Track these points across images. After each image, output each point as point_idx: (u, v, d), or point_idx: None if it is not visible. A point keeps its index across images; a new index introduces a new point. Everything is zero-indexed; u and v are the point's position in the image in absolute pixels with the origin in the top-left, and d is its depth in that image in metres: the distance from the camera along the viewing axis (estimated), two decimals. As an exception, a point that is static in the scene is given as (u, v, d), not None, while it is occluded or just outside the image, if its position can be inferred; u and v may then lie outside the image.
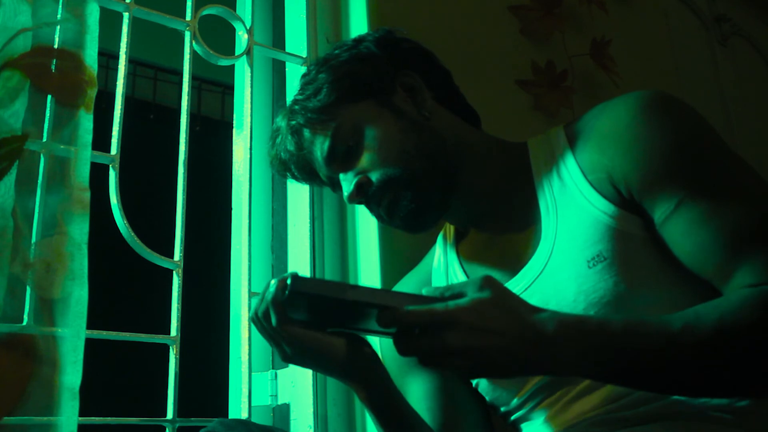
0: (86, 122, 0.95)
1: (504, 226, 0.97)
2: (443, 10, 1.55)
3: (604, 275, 0.82)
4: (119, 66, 1.20)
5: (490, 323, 0.69)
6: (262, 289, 0.83)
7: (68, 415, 0.84)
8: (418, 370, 1.01)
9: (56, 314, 0.88)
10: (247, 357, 1.19)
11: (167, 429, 1.10)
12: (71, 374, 0.85)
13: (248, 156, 1.29)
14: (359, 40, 1.03)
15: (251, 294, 1.22)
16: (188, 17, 1.31)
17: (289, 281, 0.72)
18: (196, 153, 1.28)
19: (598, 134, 0.88)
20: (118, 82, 1.19)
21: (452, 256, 1.04)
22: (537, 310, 0.72)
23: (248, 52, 1.35)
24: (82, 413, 0.87)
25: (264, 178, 1.42)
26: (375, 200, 0.97)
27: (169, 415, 1.09)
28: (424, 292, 0.73)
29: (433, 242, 1.13)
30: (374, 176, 0.95)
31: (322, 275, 1.33)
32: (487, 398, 0.98)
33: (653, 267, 0.82)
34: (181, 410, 1.11)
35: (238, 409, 1.18)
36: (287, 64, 1.45)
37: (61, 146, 0.95)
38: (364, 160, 0.96)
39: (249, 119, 1.32)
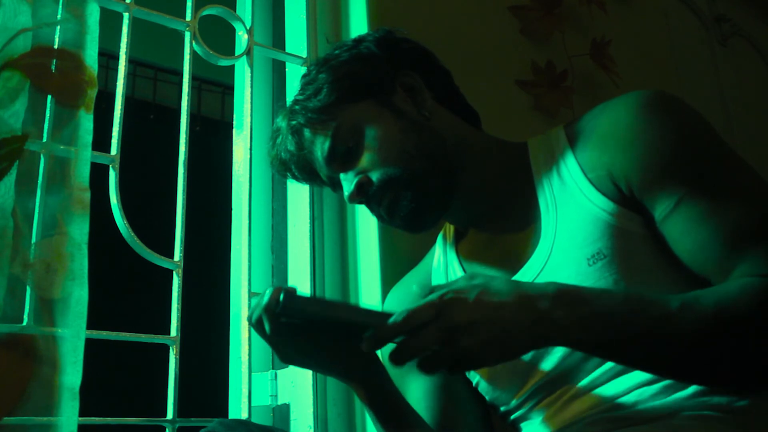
0: (86, 122, 0.95)
1: (504, 225, 0.97)
2: (443, 10, 1.55)
3: (604, 273, 0.82)
4: (119, 66, 1.20)
5: (490, 297, 0.71)
6: (260, 294, 0.83)
7: (68, 415, 0.84)
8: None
9: (56, 314, 0.88)
10: (247, 357, 1.19)
11: (167, 429, 1.10)
12: (71, 374, 0.85)
13: (248, 156, 1.29)
14: (359, 40, 1.03)
15: (251, 294, 1.22)
16: (188, 17, 1.31)
17: (281, 297, 0.72)
18: (196, 153, 1.28)
19: (599, 133, 0.88)
20: (118, 83, 1.19)
21: (452, 255, 1.05)
22: (530, 282, 0.74)
23: (248, 52, 1.36)
24: (82, 413, 0.87)
25: (264, 178, 1.42)
26: (375, 200, 0.97)
27: (169, 415, 1.09)
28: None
29: (433, 242, 1.13)
30: (374, 176, 0.95)
31: (322, 275, 1.33)
32: (486, 398, 0.98)
33: (653, 264, 0.82)
34: (181, 410, 1.11)
35: (238, 409, 1.18)
36: (287, 64, 1.45)
37: (61, 146, 0.95)
38: (365, 160, 0.96)
39: (249, 119, 1.32)
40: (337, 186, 1.02)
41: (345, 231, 1.36)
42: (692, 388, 0.79)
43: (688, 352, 0.72)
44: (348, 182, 0.98)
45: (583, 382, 0.85)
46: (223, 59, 1.34)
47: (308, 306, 0.74)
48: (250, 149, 1.30)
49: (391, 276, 1.23)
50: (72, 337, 0.87)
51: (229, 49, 1.37)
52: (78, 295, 0.88)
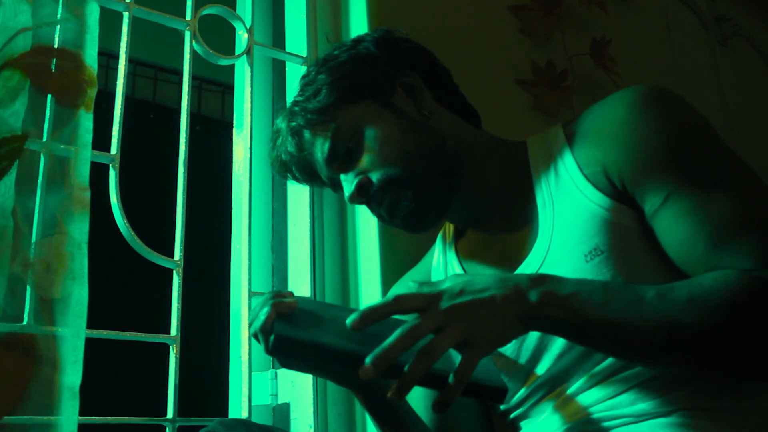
0: (86, 122, 0.95)
1: (502, 224, 0.97)
2: (443, 10, 1.55)
3: (601, 269, 0.82)
4: (119, 66, 1.20)
5: (474, 285, 0.75)
6: (257, 305, 0.83)
7: (68, 414, 0.84)
8: None
9: (56, 314, 0.88)
10: (247, 356, 1.19)
11: (167, 428, 1.10)
12: (71, 374, 0.85)
13: (248, 156, 1.29)
14: (358, 40, 1.03)
15: (251, 293, 1.22)
16: (188, 17, 1.31)
17: (271, 340, 0.71)
18: (196, 153, 1.28)
19: (594, 129, 0.89)
20: (118, 82, 1.19)
21: (451, 254, 1.05)
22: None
23: (248, 51, 1.36)
24: (82, 413, 0.87)
25: (264, 177, 1.43)
26: (376, 200, 0.97)
27: (170, 414, 1.09)
28: None
29: (433, 241, 1.13)
30: (375, 176, 0.95)
31: (322, 274, 1.33)
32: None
33: (650, 259, 0.82)
34: (181, 409, 1.11)
35: (239, 408, 1.18)
36: (287, 63, 1.45)
37: (61, 146, 0.95)
38: (365, 160, 0.96)
39: (249, 119, 1.32)
40: (337, 187, 1.02)
41: (345, 230, 1.36)
42: (690, 387, 0.79)
43: (661, 338, 0.72)
44: (348, 183, 0.98)
45: (582, 379, 0.85)
46: (223, 59, 1.34)
47: (301, 349, 0.73)
48: (250, 149, 1.30)
49: (391, 275, 1.23)
50: (72, 336, 0.87)
51: (229, 48, 1.37)
52: (78, 295, 0.88)
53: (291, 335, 0.71)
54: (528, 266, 0.90)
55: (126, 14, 1.23)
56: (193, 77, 1.29)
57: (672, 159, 0.81)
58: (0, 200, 0.87)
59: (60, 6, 0.99)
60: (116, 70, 1.21)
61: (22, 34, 0.93)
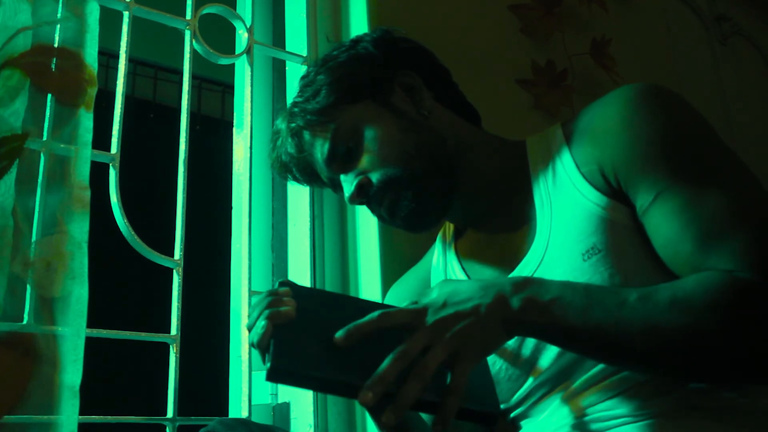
0: (86, 121, 0.95)
1: (501, 224, 0.97)
2: (443, 9, 1.55)
3: (599, 267, 0.82)
4: (119, 65, 1.20)
5: (458, 296, 0.76)
6: (251, 312, 0.82)
7: (68, 413, 0.84)
8: None
9: (56, 313, 0.88)
10: (247, 356, 1.19)
11: (167, 427, 1.10)
12: (71, 373, 0.85)
13: (248, 155, 1.29)
14: (357, 40, 1.03)
15: (251, 293, 1.22)
16: (188, 16, 1.31)
17: (267, 369, 0.70)
18: (197, 152, 1.28)
19: (592, 127, 0.89)
20: (118, 81, 1.19)
21: (451, 254, 1.05)
22: (499, 276, 0.77)
23: (248, 51, 1.36)
24: (82, 412, 0.87)
25: (264, 177, 1.43)
26: (376, 200, 0.97)
27: (170, 413, 1.10)
28: None
29: (433, 241, 1.13)
30: (374, 177, 0.95)
31: (322, 274, 1.33)
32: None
33: (646, 257, 0.82)
34: (181, 409, 1.11)
35: (239, 407, 1.19)
36: (287, 63, 1.45)
37: (62, 145, 0.95)
38: (365, 160, 0.96)
39: (249, 118, 1.32)
40: (337, 187, 1.02)
41: (345, 229, 1.36)
42: (692, 386, 0.79)
43: (643, 342, 0.72)
44: (348, 183, 0.98)
45: (582, 379, 0.85)
46: (223, 58, 1.34)
47: (297, 380, 0.73)
48: (251, 148, 1.30)
49: (391, 274, 1.23)
50: (72, 335, 0.87)
51: (229, 47, 1.37)
52: (78, 294, 0.88)
53: (286, 368, 0.70)
54: (526, 265, 0.90)
55: (126, 13, 1.23)
56: (193, 76, 1.29)
57: (665, 156, 0.81)
58: (0, 199, 0.87)
59: (60, 5, 0.99)
60: (116, 69, 1.21)
61: (22, 33, 0.93)
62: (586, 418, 0.84)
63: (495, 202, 0.98)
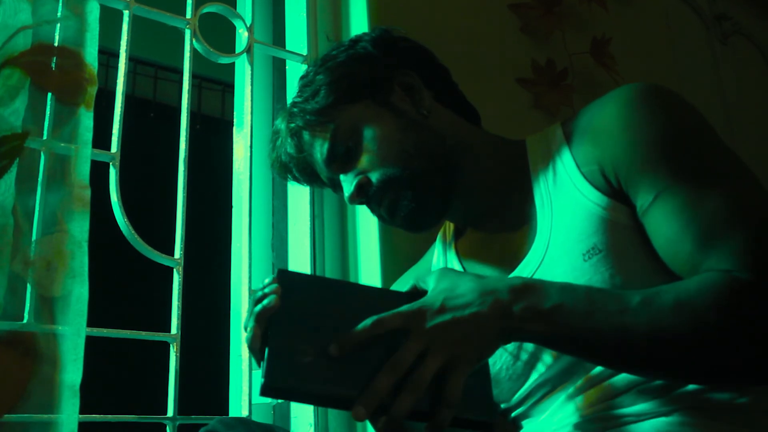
0: (86, 120, 0.95)
1: (501, 223, 0.97)
2: (443, 8, 1.55)
3: (599, 268, 0.82)
4: (119, 64, 1.20)
5: (455, 300, 0.73)
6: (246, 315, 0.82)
7: (69, 412, 0.84)
8: None
9: (57, 312, 0.88)
10: (247, 355, 1.19)
11: (168, 427, 1.10)
12: (72, 372, 0.85)
13: (248, 154, 1.29)
14: (356, 40, 1.03)
15: (251, 292, 1.22)
16: (188, 15, 1.31)
17: (261, 385, 0.69)
18: (197, 151, 1.28)
19: (592, 128, 0.88)
20: (118, 80, 1.19)
21: (451, 254, 1.05)
22: (499, 276, 0.75)
23: (248, 50, 1.35)
24: (82, 411, 0.87)
25: (264, 176, 1.43)
26: (376, 200, 0.97)
27: (170, 412, 1.10)
28: None
29: (433, 240, 1.13)
30: (374, 176, 0.95)
31: (322, 273, 1.33)
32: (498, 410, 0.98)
33: (646, 257, 0.82)
34: (181, 408, 1.11)
35: (239, 406, 1.19)
36: (287, 62, 1.45)
37: (62, 144, 0.95)
38: (364, 160, 0.96)
39: (249, 117, 1.32)
40: (337, 187, 1.02)
41: (345, 229, 1.36)
42: (692, 386, 0.79)
43: (647, 347, 0.72)
44: (348, 183, 0.98)
45: (583, 378, 0.85)
46: (223, 57, 1.34)
47: (290, 395, 0.72)
48: (251, 147, 1.30)
49: (391, 274, 1.23)
50: (72, 334, 0.87)
51: (229, 46, 1.37)
52: (78, 293, 0.88)
53: (280, 385, 0.69)
54: (527, 265, 0.90)
55: (126, 12, 1.23)
56: (194, 75, 1.28)
57: (665, 156, 0.81)
58: (0, 198, 0.87)
59: (60, 4, 0.99)
60: (116, 68, 1.21)
61: (23, 33, 0.93)
62: (587, 418, 0.84)
63: (495, 202, 0.98)
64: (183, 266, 1.16)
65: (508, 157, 0.98)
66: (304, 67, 1.38)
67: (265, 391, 0.69)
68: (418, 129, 0.96)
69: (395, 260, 1.25)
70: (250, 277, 1.22)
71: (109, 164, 1.14)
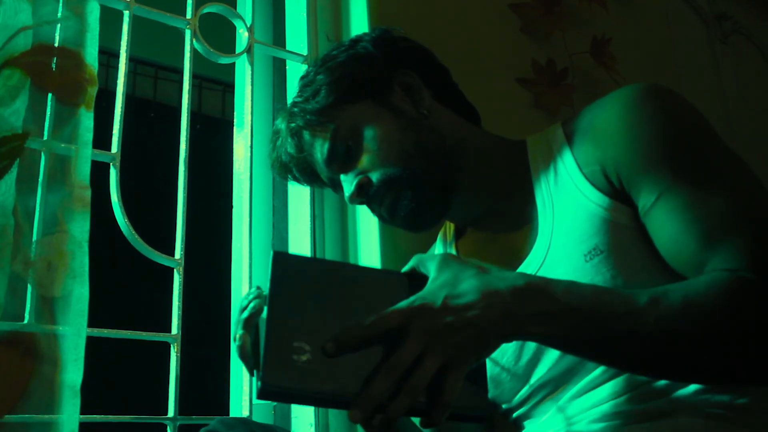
0: (87, 120, 0.95)
1: (502, 223, 0.97)
2: (443, 8, 1.55)
3: (601, 268, 0.82)
4: (120, 64, 1.20)
5: (457, 300, 0.70)
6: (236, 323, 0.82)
7: (69, 413, 0.84)
8: None
9: (57, 312, 0.88)
10: (247, 355, 1.19)
11: (168, 427, 1.10)
12: (72, 372, 0.85)
13: (249, 154, 1.29)
14: (356, 40, 1.03)
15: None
16: (189, 15, 1.31)
17: (257, 388, 0.69)
18: (197, 151, 1.28)
19: (593, 128, 0.88)
20: (118, 81, 1.19)
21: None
22: (500, 272, 0.72)
23: (249, 50, 1.36)
24: (83, 411, 0.87)
25: (265, 176, 1.42)
26: (376, 200, 0.97)
27: (170, 413, 1.10)
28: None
29: (434, 240, 1.13)
30: (374, 176, 0.95)
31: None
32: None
33: (649, 258, 0.82)
34: (182, 408, 1.11)
35: (239, 407, 1.19)
36: (288, 62, 1.45)
37: (62, 144, 0.95)
38: (364, 160, 0.96)
39: (250, 117, 1.32)
40: (338, 187, 1.02)
41: (346, 229, 1.36)
42: (693, 387, 0.79)
43: (656, 348, 0.71)
44: (348, 183, 0.98)
45: (585, 379, 0.85)
46: (223, 57, 1.34)
47: (288, 399, 0.71)
48: (251, 147, 1.30)
49: (391, 274, 1.23)
50: (73, 335, 0.87)
51: (229, 47, 1.37)
52: (79, 293, 0.88)
53: (276, 389, 0.67)
54: (528, 266, 0.90)
55: (126, 13, 1.23)
56: (194, 76, 1.28)
57: (666, 156, 0.81)
58: (1, 199, 0.87)
59: (60, 4, 0.99)
60: (117, 68, 1.21)
61: (23, 33, 0.93)
62: (589, 419, 0.84)
63: (495, 202, 0.98)
64: (183, 266, 1.16)
65: (509, 157, 0.98)
66: (304, 67, 1.38)
67: (261, 396, 0.68)
68: (418, 129, 0.96)
69: (395, 260, 1.25)
70: (250, 277, 1.22)
71: (109, 164, 1.14)
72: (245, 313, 0.78)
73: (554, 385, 0.88)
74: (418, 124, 0.97)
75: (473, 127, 1.03)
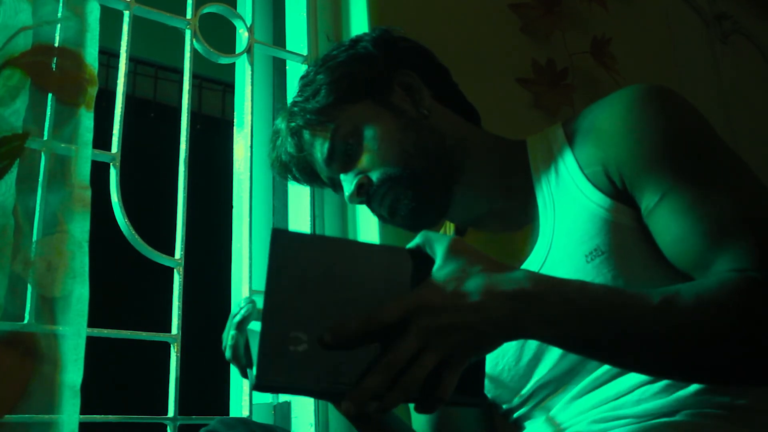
0: (87, 120, 0.95)
1: (503, 224, 0.97)
2: (444, 8, 1.55)
3: (602, 269, 0.82)
4: (120, 64, 1.20)
5: (462, 299, 0.67)
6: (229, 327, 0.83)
7: (69, 413, 0.84)
8: None
9: (57, 312, 0.88)
10: (247, 355, 1.19)
11: (168, 427, 1.10)
12: (72, 372, 0.85)
13: (249, 154, 1.29)
14: (356, 40, 1.03)
15: (252, 292, 1.22)
16: (189, 15, 1.31)
17: (252, 381, 0.68)
18: (197, 151, 1.28)
19: (595, 128, 0.88)
20: (118, 81, 1.19)
21: (452, 254, 1.04)
22: (509, 270, 0.70)
23: (249, 50, 1.36)
24: (83, 411, 0.87)
25: (265, 176, 1.43)
26: (376, 200, 0.97)
27: (171, 413, 1.10)
28: None
29: (434, 240, 1.13)
30: (374, 176, 0.95)
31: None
32: (488, 396, 0.98)
33: (651, 259, 0.82)
34: (182, 408, 1.11)
35: (239, 407, 1.19)
36: (288, 62, 1.45)
37: (62, 144, 0.95)
38: (364, 160, 0.96)
39: (250, 117, 1.32)
40: (338, 187, 1.02)
41: (346, 229, 1.36)
42: (694, 387, 0.79)
43: (669, 348, 0.70)
44: (348, 183, 0.98)
45: (586, 380, 0.85)
46: (223, 57, 1.34)
47: (283, 390, 0.71)
48: (251, 147, 1.30)
49: (391, 274, 1.23)
50: (73, 335, 0.87)
51: (229, 47, 1.37)
52: (79, 293, 0.88)
53: (271, 383, 0.66)
54: (528, 267, 0.90)
55: (126, 13, 1.23)
56: (194, 76, 1.29)
57: (669, 156, 0.81)
58: (1, 199, 0.87)
59: (60, 4, 0.99)
60: (117, 68, 1.21)
61: (23, 33, 0.93)
62: (590, 419, 0.84)
63: (495, 201, 0.98)
64: (183, 266, 1.16)
65: (509, 157, 0.98)
66: (304, 67, 1.38)
67: (257, 388, 0.67)
68: (418, 129, 0.96)
69: (396, 260, 1.25)
70: (250, 278, 1.22)
71: (109, 164, 1.14)
72: (237, 317, 0.78)
73: (555, 385, 0.88)
74: (418, 123, 0.97)
75: (473, 127, 1.03)
